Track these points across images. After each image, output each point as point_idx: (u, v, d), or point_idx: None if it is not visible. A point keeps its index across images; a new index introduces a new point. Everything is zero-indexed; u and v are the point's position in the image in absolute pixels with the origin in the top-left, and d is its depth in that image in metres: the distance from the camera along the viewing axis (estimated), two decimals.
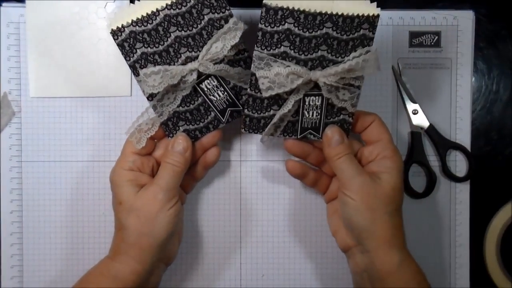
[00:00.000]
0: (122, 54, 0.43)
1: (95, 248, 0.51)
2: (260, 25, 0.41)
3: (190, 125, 0.46)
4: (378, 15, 0.41)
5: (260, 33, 0.41)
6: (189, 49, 0.44)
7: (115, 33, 0.43)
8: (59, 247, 0.51)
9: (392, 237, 0.42)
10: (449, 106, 0.53)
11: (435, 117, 0.52)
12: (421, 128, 0.52)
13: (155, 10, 0.42)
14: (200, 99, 0.45)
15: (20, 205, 0.51)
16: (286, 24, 0.41)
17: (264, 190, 0.52)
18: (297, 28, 0.41)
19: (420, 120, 0.52)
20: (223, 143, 0.52)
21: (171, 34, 0.43)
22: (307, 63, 0.42)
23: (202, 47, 0.44)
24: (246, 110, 0.44)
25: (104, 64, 0.51)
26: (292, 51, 0.42)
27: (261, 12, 0.41)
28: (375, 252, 0.42)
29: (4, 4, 0.51)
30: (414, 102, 0.52)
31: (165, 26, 0.43)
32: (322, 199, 0.51)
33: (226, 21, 0.43)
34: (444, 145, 0.52)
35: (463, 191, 0.53)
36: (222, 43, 0.43)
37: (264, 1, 0.40)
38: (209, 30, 0.43)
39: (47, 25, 0.50)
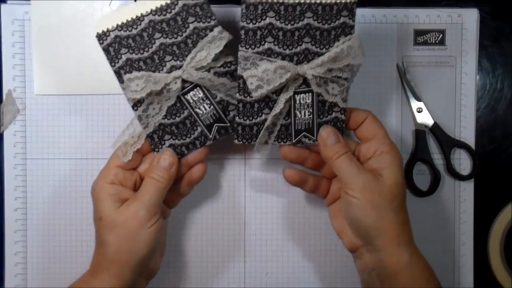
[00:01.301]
0: (107, 59, 0.43)
1: None
2: (241, 23, 0.41)
3: (176, 140, 0.45)
4: (355, 2, 0.42)
5: (243, 32, 0.41)
6: (174, 58, 0.43)
7: (100, 37, 0.42)
8: (63, 244, 0.51)
9: (400, 233, 0.42)
10: (454, 104, 0.53)
11: (440, 115, 0.52)
12: (426, 126, 0.52)
13: (140, 15, 0.42)
14: (186, 112, 0.45)
15: (24, 202, 0.51)
16: (268, 18, 0.41)
17: (268, 188, 0.52)
18: (278, 22, 0.41)
19: (425, 118, 0.52)
20: (227, 141, 0.52)
21: (156, 40, 0.43)
22: (293, 58, 0.43)
23: (187, 56, 0.43)
24: (237, 118, 0.44)
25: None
26: (277, 46, 0.42)
27: (242, 9, 0.41)
28: (384, 250, 0.42)
29: (9, 1, 0.51)
30: (418, 100, 0.52)
31: (150, 32, 0.43)
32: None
33: (211, 31, 0.43)
34: (448, 143, 0.52)
35: (467, 189, 0.53)
36: (207, 52, 0.43)
37: None
38: (194, 39, 0.43)
39: (52, 23, 0.50)
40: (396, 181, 0.42)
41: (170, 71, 0.43)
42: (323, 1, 0.41)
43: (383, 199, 0.42)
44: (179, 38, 0.43)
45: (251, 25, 0.41)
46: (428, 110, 0.52)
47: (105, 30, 0.42)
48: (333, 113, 0.44)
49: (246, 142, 0.44)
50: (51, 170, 0.51)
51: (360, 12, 0.52)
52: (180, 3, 0.43)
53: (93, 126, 0.51)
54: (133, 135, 0.45)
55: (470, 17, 0.52)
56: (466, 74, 0.52)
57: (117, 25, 0.42)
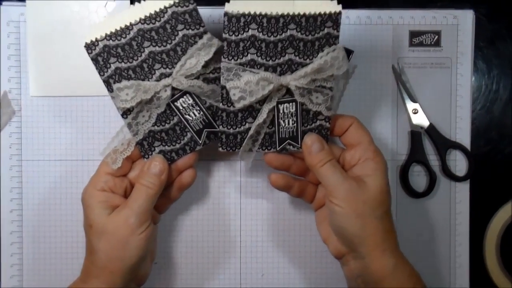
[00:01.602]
0: (96, 69, 0.43)
1: None
2: (224, 35, 0.41)
3: (166, 146, 0.45)
4: (340, 12, 0.41)
5: (225, 43, 0.41)
6: (164, 66, 0.43)
7: (89, 47, 0.42)
8: (59, 246, 0.51)
9: (384, 241, 0.42)
10: (449, 105, 0.53)
11: (435, 117, 0.52)
12: (421, 127, 0.52)
13: (128, 24, 0.42)
14: (175, 119, 0.45)
15: (20, 204, 0.51)
16: (250, 30, 0.40)
17: (263, 189, 0.52)
18: (261, 33, 0.41)
19: (420, 119, 0.52)
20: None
21: (145, 49, 0.43)
22: (276, 69, 0.42)
23: (176, 63, 0.43)
24: (221, 127, 0.43)
25: None
26: (260, 57, 0.41)
27: (224, 22, 0.40)
28: (368, 257, 0.42)
29: (4, 3, 0.51)
30: (414, 101, 0.52)
31: (139, 41, 0.42)
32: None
33: (201, 38, 0.43)
34: (444, 145, 0.52)
35: (463, 190, 0.53)
36: (196, 59, 0.43)
37: (225, 10, 0.40)
38: (183, 47, 0.43)
39: (47, 24, 0.50)
40: (380, 188, 0.42)
41: (159, 79, 0.43)
42: (307, 13, 0.41)
43: (367, 207, 0.41)
44: (168, 46, 0.43)
45: (233, 37, 0.41)
46: (423, 111, 0.52)
47: (94, 40, 0.42)
48: (318, 121, 0.44)
49: (231, 150, 0.44)
50: (46, 171, 0.51)
51: (355, 13, 0.52)
52: (169, 11, 0.42)
53: (88, 127, 0.51)
54: (123, 142, 0.45)
55: (466, 18, 0.52)
56: (462, 75, 0.52)
57: (106, 34, 0.42)
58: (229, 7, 0.40)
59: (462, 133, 0.53)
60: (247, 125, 0.43)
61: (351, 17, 0.52)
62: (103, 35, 0.42)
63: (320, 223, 0.47)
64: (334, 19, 0.41)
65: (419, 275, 0.43)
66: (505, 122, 0.54)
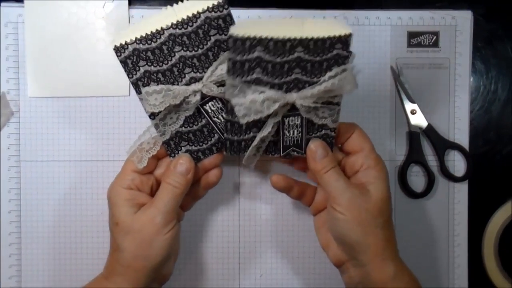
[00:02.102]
0: (125, 71, 0.42)
1: (93, 247, 0.51)
2: (229, 55, 0.39)
3: (193, 146, 0.45)
4: (350, 34, 0.39)
5: (230, 63, 0.39)
6: (194, 70, 0.43)
7: (118, 50, 0.41)
8: (57, 246, 0.51)
9: (385, 249, 0.42)
10: (448, 106, 0.53)
11: (434, 117, 0.52)
12: (420, 128, 0.52)
13: (159, 29, 0.41)
14: (203, 121, 0.44)
15: (18, 204, 0.51)
16: (256, 52, 0.38)
17: (262, 190, 0.52)
18: (267, 55, 0.39)
19: (419, 120, 0.52)
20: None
21: (176, 53, 0.42)
22: (282, 86, 0.41)
23: (207, 68, 0.42)
24: (225, 134, 0.43)
25: (102, 64, 0.51)
26: (265, 76, 0.40)
27: (229, 43, 0.38)
28: (369, 265, 0.42)
29: (2, 4, 0.51)
30: (412, 102, 0.52)
31: (170, 45, 0.42)
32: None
33: None
34: (442, 145, 0.52)
35: (461, 191, 0.53)
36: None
37: (230, 32, 0.38)
38: (215, 52, 0.42)
39: (45, 25, 0.50)
40: (382, 196, 0.42)
41: (189, 82, 0.43)
42: (315, 36, 0.39)
43: (369, 215, 0.41)
44: (200, 51, 0.42)
45: (238, 58, 0.38)
46: (422, 112, 0.52)
47: (123, 43, 0.41)
48: (323, 130, 0.44)
49: (235, 154, 0.44)
50: (45, 172, 0.51)
51: (353, 14, 0.52)
52: (202, 16, 0.41)
53: (87, 128, 0.51)
54: (149, 141, 0.44)
55: (464, 19, 0.52)
56: (460, 76, 0.52)
57: (136, 38, 0.41)
58: (234, 30, 0.38)
59: (461, 134, 0.53)
60: (251, 134, 0.43)
61: (349, 18, 0.52)
62: (133, 38, 0.41)
63: (319, 229, 0.47)
64: (344, 41, 0.39)
65: (418, 283, 0.44)
66: (503, 122, 0.54)
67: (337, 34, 0.39)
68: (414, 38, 0.52)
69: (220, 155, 0.46)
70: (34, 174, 0.51)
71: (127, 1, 0.51)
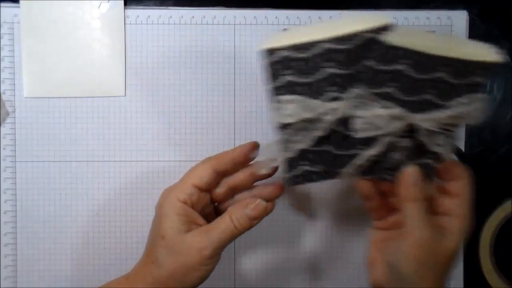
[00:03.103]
0: (268, 76, 0.40)
1: (90, 248, 0.51)
2: (367, 62, 0.37)
3: (312, 167, 0.42)
4: (499, 63, 0.37)
5: (370, 71, 0.37)
6: (337, 88, 0.39)
7: (266, 54, 0.39)
8: (53, 247, 0.51)
9: None
10: None
11: None
12: None
13: (314, 41, 0.39)
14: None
15: (14, 205, 0.51)
16: (399, 64, 0.36)
17: None
18: (409, 69, 0.37)
19: None
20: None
21: (324, 69, 0.39)
22: (407, 104, 0.38)
23: (349, 89, 0.39)
24: (325, 146, 0.40)
25: (98, 64, 0.51)
26: (397, 91, 0.37)
27: (373, 49, 0.36)
28: None
29: None
30: None
31: (320, 59, 0.39)
32: (315, 206, 0.52)
33: None
34: None
35: None
36: None
37: (380, 37, 0.36)
38: (367, 75, 0.39)
39: (41, 25, 0.50)
40: (455, 249, 0.40)
41: (328, 100, 0.40)
42: (465, 58, 0.36)
43: (436, 261, 0.39)
44: (349, 71, 0.39)
45: (381, 67, 0.37)
46: None
47: (274, 47, 0.39)
48: (426, 159, 0.40)
49: (329, 171, 0.41)
50: (40, 172, 0.51)
51: (350, 14, 0.52)
52: (365, 36, 0.38)
53: (82, 129, 0.51)
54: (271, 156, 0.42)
55: (460, 19, 0.52)
56: None
57: (288, 45, 0.39)
58: (388, 37, 0.36)
59: (456, 134, 0.53)
60: (354, 151, 0.40)
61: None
62: (285, 45, 0.39)
63: (374, 243, 0.44)
64: (489, 69, 0.37)
65: None
66: (499, 122, 0.54)
67: (487, 60, 0.37)
68: None
69: (281, 189, 0.44)
70: (29, 174, 0.51)
71: (123, 2, 0.51)
